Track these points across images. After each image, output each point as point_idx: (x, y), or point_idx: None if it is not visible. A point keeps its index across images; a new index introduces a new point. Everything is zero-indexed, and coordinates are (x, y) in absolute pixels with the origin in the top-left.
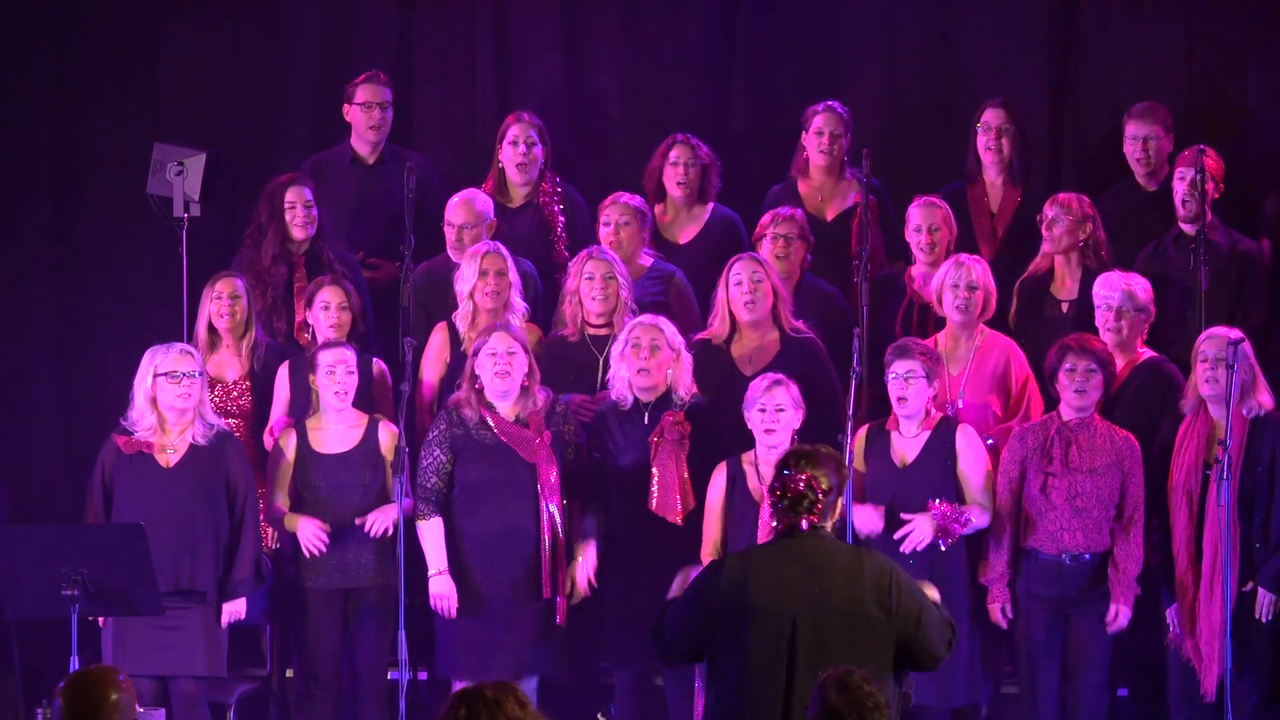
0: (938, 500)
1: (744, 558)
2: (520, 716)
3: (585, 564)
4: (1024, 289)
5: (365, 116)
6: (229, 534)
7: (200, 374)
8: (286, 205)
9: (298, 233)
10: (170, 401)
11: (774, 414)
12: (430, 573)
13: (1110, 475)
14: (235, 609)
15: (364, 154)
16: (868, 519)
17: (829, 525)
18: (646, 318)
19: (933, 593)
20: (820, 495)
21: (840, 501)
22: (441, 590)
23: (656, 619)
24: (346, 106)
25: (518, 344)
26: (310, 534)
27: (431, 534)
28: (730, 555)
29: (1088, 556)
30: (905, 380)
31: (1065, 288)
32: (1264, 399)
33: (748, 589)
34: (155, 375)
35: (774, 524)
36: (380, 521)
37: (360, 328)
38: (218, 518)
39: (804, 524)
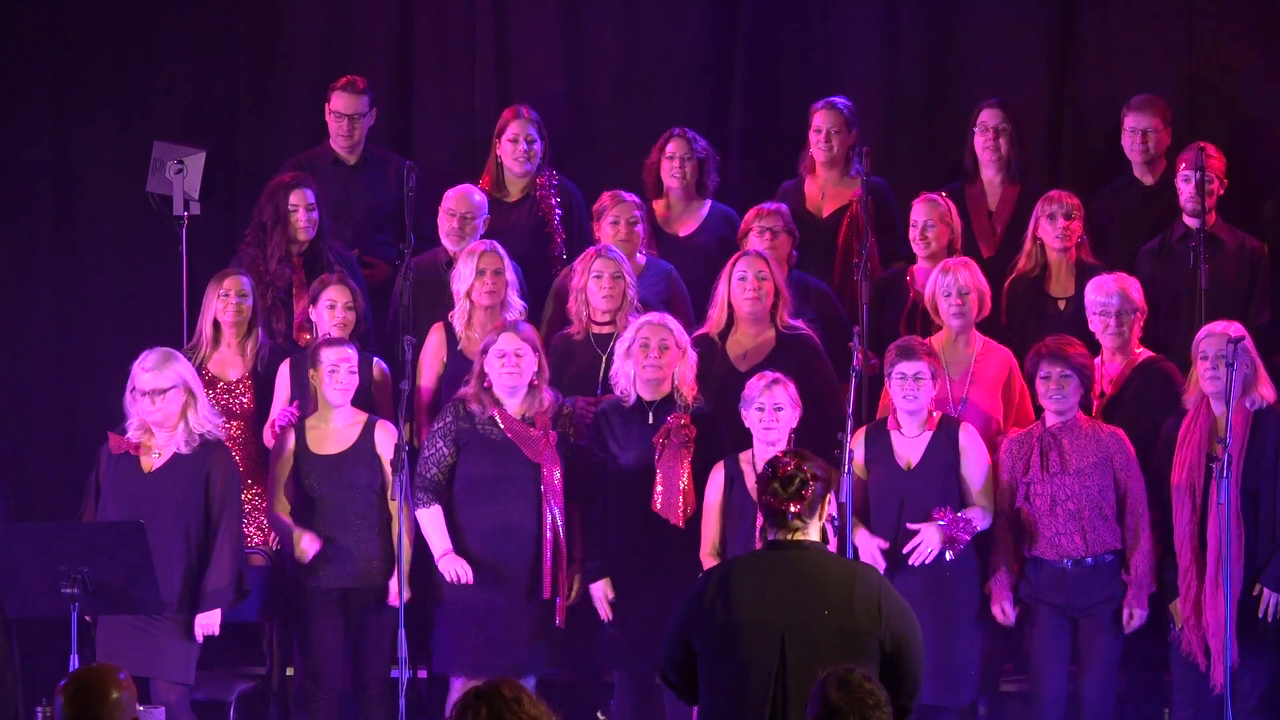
0: (942, 509)
1: (724, 572)
2: (537, 714)
3: (595, 594)
4: (1015, 289)
5: (336, 126)
6: (201, 544)
7: (177, 386)
8: (290, 208)
9: (301, 235)
10: (146, 417)
11: (772, 413)
12: (436, 556)
13: (1097, 474)
14: (207, 621)
15: (343, 155)
16: (872, 555)
17: (814, 526)
18: (654, 316)
19: None
20: (809, 479)
21: (827, 503)
22: (451, 566)
23: (660, 649)
24: (326, 107)
25: (527, 344)
26: (307, 550)
27: (432, 520)
28: (708, 572)
29: (1090, 561)
30: (915, 380)
31: (1062, 285)
32: (1266, 392)
33: (732, 603)
34: (132, 390)
35: (761, 519)
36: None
37: (363, 327)
38: (190, 528)
39: (792, 508)
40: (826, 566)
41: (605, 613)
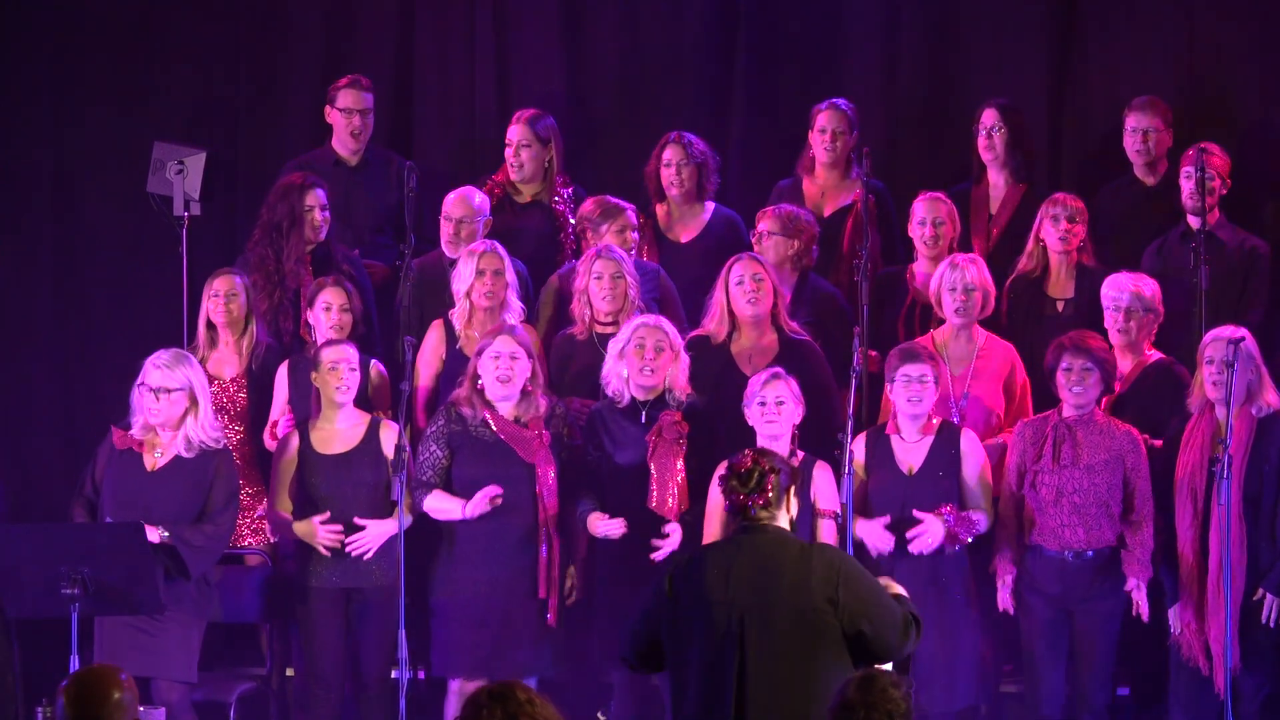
0: (947, 506)
1: (696, 556)
2: (548, 716)
3: (600, 522)
4: (1016, 289)
5: (345, 122)
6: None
7: (183, 389)
8: (306, 208)
9: (316, 235)
10: (147, 414)
11: (774, 407)
12: (467, 510)
13: (1108, 472)
14: (154, 534)
15: (345, 156)
16: (877, 536)
17: (782, 518)
18: (650, 318)
19: (895, 588)
20: (768, 472)
21: (795, 498)
22: (483, 498)
23: (623, 631)
24: (328, 109)
25: (521, 348)
26: (327, 536)
27: (438, 500)
28: (683, 556)
29: (1090, 554)
30: (920, 383)
31: (1061, 287)
32: (1271, 398)
33: (703, 585)
34: (140, 384)
35: (727, 512)
36: (365, 544)
37: (360, 329)
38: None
39: (754, 502)
40: (785, 547)
41: (615, 530)
